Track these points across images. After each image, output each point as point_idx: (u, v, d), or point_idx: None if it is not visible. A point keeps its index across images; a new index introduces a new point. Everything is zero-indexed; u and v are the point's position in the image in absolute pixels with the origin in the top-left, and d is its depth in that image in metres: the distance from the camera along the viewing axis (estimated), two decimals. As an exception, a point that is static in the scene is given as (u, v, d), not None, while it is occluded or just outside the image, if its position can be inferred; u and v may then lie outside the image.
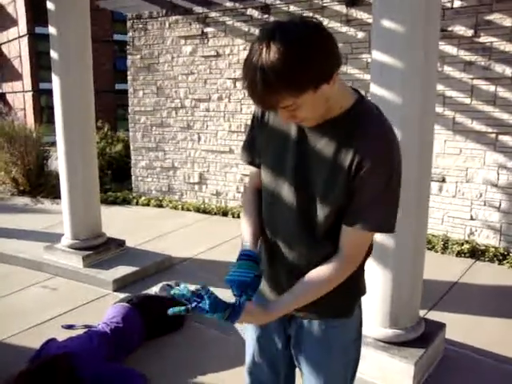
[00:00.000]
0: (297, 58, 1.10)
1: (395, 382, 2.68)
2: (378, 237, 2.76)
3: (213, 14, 6.62)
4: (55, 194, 7.93)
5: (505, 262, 4.80)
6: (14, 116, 10.30)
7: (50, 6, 4.13)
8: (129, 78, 7.53)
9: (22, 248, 4.94)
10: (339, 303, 1.47)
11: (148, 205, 7.36)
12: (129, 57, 7.48)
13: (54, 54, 4.22)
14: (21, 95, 24.34)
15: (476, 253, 4.97)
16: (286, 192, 1.40)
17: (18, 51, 23.82)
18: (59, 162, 4.50)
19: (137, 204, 7.46)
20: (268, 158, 1.45)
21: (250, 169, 1.59)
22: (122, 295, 3.84)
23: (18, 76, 24.39)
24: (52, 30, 4.19)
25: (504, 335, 3.39)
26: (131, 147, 7.75)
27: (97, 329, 2.95)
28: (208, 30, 6.68)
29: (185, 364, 3.03)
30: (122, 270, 4.26)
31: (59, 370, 2.49)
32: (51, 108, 18.35)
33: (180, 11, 6.87)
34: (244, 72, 1.16)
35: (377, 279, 2.79)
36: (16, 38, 23.78)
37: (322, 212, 1.34)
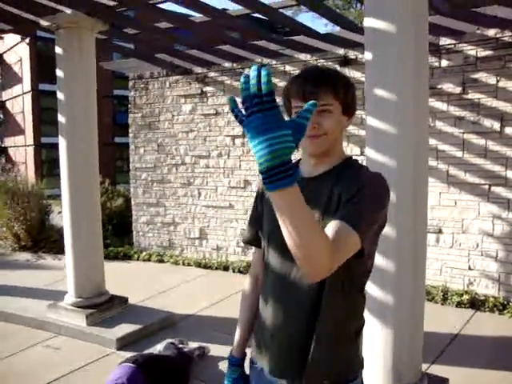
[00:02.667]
0: (345, 76, 1.50)
1: None
2: (377, 293, 2.84)
3: (212, 74, 6.90)
4: (57, 249, 8.00)
5: (505, 311, 4.84)
6: (16, 172, 10.49)
7: (59, 73, 4.34)
8: (130, 135, 7.75)
9: (24, 306, 4.96)
10: (346, 365, 1.51)
11: (149, 260, 7.41)
12: (130, 115, 7.73)
13: (61, 119, 4.40)
14: (22, 149, 24.75)
15: (476, 303, 5.01)
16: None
17: (22, 107, 24.40)
18: (64, 220, 4.61)
19: (138, 259, 7.51)
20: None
21: (253, 252, 1.68)
22: (125, 354, 3.86)
23: (20, 131, 24.88)
24: (60, 95, 4.38)
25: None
26: (132, 203, 7.88)
27: (102, 391, 2.97)
28: (207, 89, 6.94)
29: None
30: (126, 328, 4.28)
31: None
32: (52, 161, 18.44)
33: (180, 71, 7.15)
34: (304, 70, 1.49)
35: (377, 336, 2.84)
36: (20, 95, 24.42)
37: None
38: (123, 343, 4.12)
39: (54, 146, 24.85)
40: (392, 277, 2.80)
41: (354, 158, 1.56)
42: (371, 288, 2.86)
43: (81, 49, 4.32)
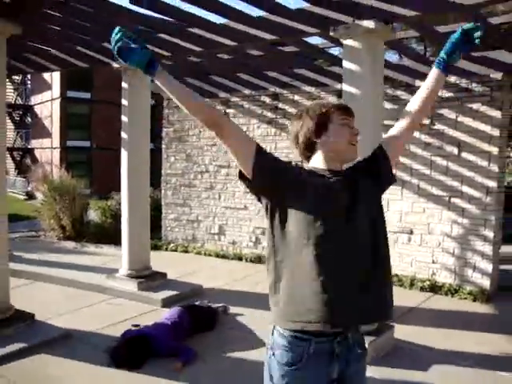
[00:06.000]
0: None
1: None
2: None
3: (234, 99, 8.40)
4: (96, 240, 9.53)
5: (456, 295, 6.26)
6: (48, 172, 11.99)
7: (124, 102, 5.89)
8: (163, 146, 9.27)
9: (87, 276, 6.47)
10: None
11: (176, 250, 8.89)
12: (164, 129, 9.25)
13: (124, 136, 5.93)
14: (49, 151, 26.45)
15: (435, 288, 6.43)
16: None
17: (50, 112, 26.16)
18: (122, 211, 6.17)
19: (166, 250, 8.99)
20: None
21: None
22: (167, 310, 5.33)
23: (47, 134, 26.63)
24: (124, 118, 5.92)
25: (445, 338, 4.83)
26: (162, 203, 9.36)
27: (162, 322, 4.45)
28: (229, 110, 8.44)
29: (216, 347, 4.49)
30: (167, 293, 5.79)
31: (144, 342, 4.01)
32: (75, 163, 20.08)
33: (207, 95, 8.62)
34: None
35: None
36: (49, 100, 26.19)
37: None
38: (165, 303, 5.60)
39: (78, 149, 26.31)
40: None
41: None
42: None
43: (140, 84, 5.85)
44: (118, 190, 8.76)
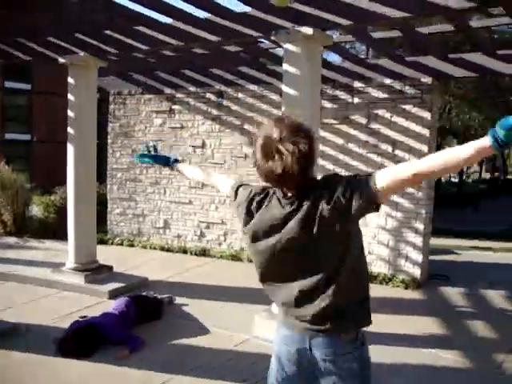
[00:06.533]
0: None
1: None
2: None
3: (179, 95, 8.53)
4: (39, 235, 9.43)
5: (390, 283, 6.71)
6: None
7: (70, 97, 5.92)
8: (109, 141, 9.27)
9: (32, 271, 6.45)
10: None
11: (122, 244, 8.94)
12: (109, 124, 9.25)
13: (70, 130, 5.97)
14: (-15, 144, 25.45)
15: (371, 278, 6.83)
16: None
17: (-14, 103, 25.18)
18: (68, 204, 6.18)
19: (112, 244, 9.02)
20: None
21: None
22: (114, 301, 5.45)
23: (-17, 127, 25.61)
24: (70, 113, 5.95)
25: (377, 322, 5.18)
26: (108, 197, 9.37)
27: (110, 312, 4.58)
28: (175, 107, 8.57)
29: (163, 335, 4.67)
30: (114, 285, 5.89)
31: (92, 331, 4.14)
32: (16, 157, 19.50)
33: (153, 91, 8.73)
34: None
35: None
36: (-15, 91, 25.19)
37: None
38: (112, 294, 5.70)
39: (17, 143, 25.37)
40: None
41: None
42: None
43: (87, 80, 5.91)
44: (61, 184, 8.71)
